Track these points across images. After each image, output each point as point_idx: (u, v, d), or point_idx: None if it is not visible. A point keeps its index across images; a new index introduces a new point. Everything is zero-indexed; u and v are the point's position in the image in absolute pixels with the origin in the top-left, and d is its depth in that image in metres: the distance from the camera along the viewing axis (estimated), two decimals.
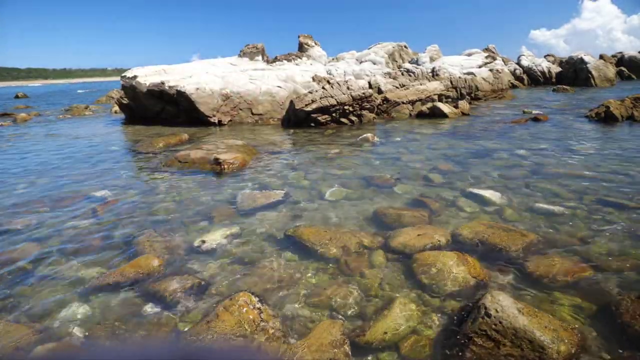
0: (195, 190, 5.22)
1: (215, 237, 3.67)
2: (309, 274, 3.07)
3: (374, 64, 19.40)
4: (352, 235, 3.61)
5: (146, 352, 2.32)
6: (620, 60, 29.89)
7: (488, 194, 4.64)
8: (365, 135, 8.81)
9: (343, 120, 11.08)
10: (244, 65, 14.79)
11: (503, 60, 24.72)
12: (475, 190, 4.76)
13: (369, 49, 21.77)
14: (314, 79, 14.06)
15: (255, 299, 2.56)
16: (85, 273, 3.17)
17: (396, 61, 21.78)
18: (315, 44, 18.95)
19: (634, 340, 2.25)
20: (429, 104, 12.87)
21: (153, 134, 9.99)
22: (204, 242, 3.59)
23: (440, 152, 7.19)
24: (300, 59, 16.98)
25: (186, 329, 2.44)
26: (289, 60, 16.31)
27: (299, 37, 18.93)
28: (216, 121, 11.78)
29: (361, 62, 19.39)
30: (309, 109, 10.58)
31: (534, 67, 25.11)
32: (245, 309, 2.46)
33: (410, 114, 12.89)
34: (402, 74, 18.45)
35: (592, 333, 2.33)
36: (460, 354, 2.20)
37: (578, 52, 24.59)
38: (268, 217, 4.20)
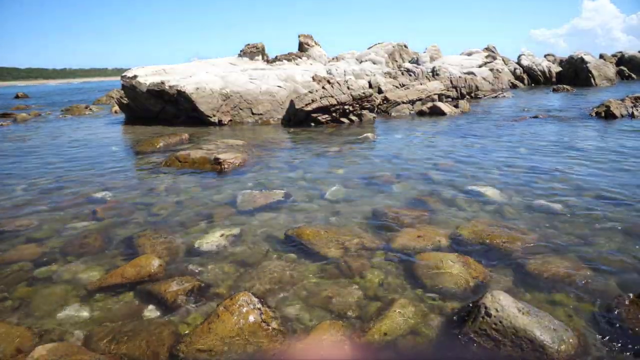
0: (195, 190, 5.22)
1: (215, 238, 3.67)
2: (309, 275, 3.07)
3: (374, 63, 19.40)
4: (353, 236, 3.61)
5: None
6: (621, 60, 29.85)
7: (488, 192, 4.65)
8: (365, 134, 8.82)
9: (343, 119, 11.08)
10: (244, 65, 14.79)
11: (503, 59, 24.69)
12: (476, 189, 4.76)
13: (369, 48, 21.77)
14: (314, 79, 14.06)
15: (255, 299, 2.56)
16: (86, 274, 3.17)
17: (396, 61, 21.78)
18: (316, 43, 18.94)
19: (634, 340, 2.25)
20: (429, 104, 12.87)
21: (153, 134, 9.98)
22: (203, 242, 3.59)
23: (440, 150, 7.19)
24: (301, 58, 16.98)
25: (187, 331, 2.44)
26: (289, 60, 16.31)
27: (299, 37, 18.93)
28: (216, 121, 11.78)
29: (361, 62, 19.38)
30: (309, 108, 10.58)
31: (534, 67, 25.08)
32: (245, 308, 2.46)
33: (410, 114, 12.89)
34: (402, 73, 18.45)
35: (593, 333, 2.32)
36: (460, 353, 2.20)
37: (578, 51, 24.57)
38: (268, 217, 4.20)
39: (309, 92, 11.12)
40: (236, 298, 2.53)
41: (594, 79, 22.69)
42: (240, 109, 12.34)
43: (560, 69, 25.39)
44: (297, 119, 10.94)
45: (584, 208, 4.12)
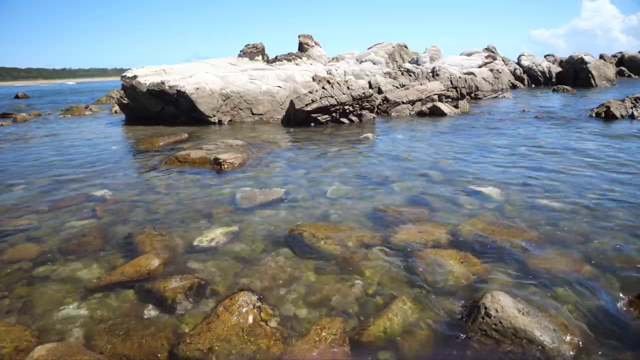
0: (195, 189, 5.21)
1: (214, 236, 3.67)
2: (309, 272, 3.06)
3: (374, 63, 19.40)
4: (352, 233, 3.60)
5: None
6: (621, 60, 29.89)
7: (488, 190, 4.64)
8: (365, 134, 8.82)
9: (343, 119, 11.08)
10: (244, 65, 14.78)
11: (503, 60, 24.68)
12: (476, 187, 4.76)
13: (369, 49, 21.77)
14: (314, 79, 14.05)
15: (254, 298, 2.56)
16: (85, 273, 3.17)
17: (396, 61, 21.78)
18: (316, 43, 18.94)
19: (635, 340, 2.24)
20: (429, 104, 12.86)
21: (153, 134, 9.98)
22: (203, 240, 3.59)
23: (440, 150, 7.18)
24: (301, 58, 16.97)
25: (187, 330, 2.43)
26: (289, 60, 16.30)
27: (299, 37, 18.93)
28: (216, 121, 11.79)
29: (361, 62, 19.38)
30: (309, 108, 10.58)
31: (534, 67, 25.08)
32: (245, 308, 2.46)
33: (410, 114, 12.89)
34: (402, 73, 18.45)
35: (593, 332, 2.32)
36: (459, 353, 2.19)
37: (578, 52, 24.56)
38: (268, 215, 4.19)
39: (309, 92, 11.12)
40: (235, 298, 2.54)
41: (594, 80, 22.68)
42: (240, 109, 12.34)
43: (560, 69, 25.40)
44: (297, 119, 10.94)
45: (584, 207, 4.12)
